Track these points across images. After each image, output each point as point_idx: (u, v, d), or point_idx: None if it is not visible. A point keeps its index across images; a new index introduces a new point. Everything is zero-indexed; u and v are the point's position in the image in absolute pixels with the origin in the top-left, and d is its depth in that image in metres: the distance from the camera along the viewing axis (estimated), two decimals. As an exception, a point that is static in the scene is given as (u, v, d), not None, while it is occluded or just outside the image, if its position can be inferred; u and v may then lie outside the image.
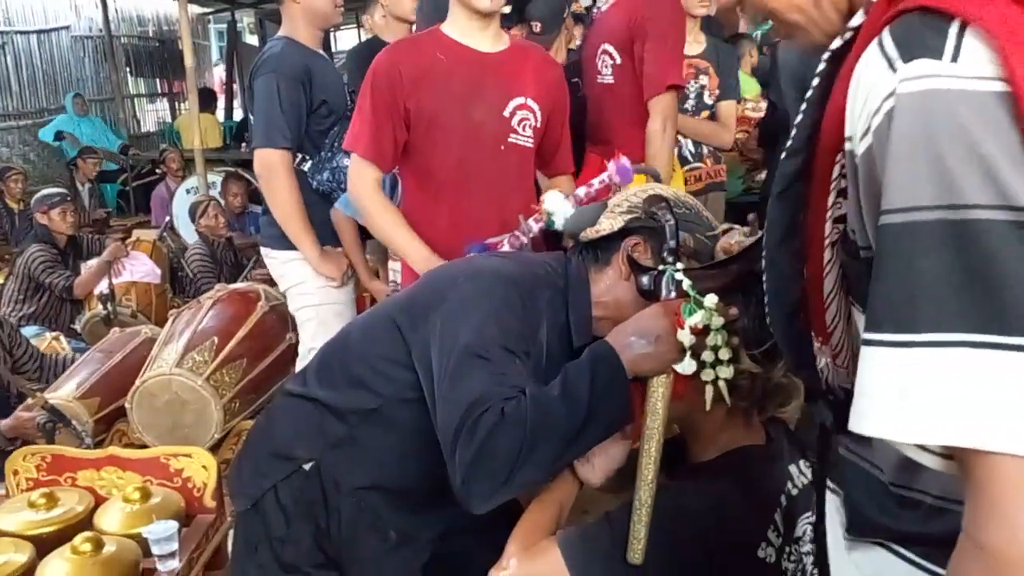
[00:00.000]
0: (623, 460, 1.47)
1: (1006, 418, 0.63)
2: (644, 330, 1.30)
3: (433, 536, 1.60)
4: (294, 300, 2.81)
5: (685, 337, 1.27)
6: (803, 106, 0.83)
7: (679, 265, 1.34)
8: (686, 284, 1.30)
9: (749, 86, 4.67)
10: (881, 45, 0.70)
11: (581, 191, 1.79)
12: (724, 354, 1.29)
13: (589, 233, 1.52)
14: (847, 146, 0.75)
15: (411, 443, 1.46)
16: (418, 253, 2.10)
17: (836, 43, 0.81)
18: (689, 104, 3.24)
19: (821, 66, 0.81)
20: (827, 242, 0.82)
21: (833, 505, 1.01)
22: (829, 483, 1.02)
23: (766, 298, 0.91)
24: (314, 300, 2.73)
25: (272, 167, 2.59)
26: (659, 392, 1.31)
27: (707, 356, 1.28)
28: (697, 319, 1.26)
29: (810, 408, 1.23)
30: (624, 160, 1.73)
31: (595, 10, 2.74)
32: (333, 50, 9.11)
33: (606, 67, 2.76)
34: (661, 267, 1.35)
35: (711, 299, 1.27)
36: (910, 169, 0.66)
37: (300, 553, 1.53)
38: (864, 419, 0.69)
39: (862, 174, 0.73)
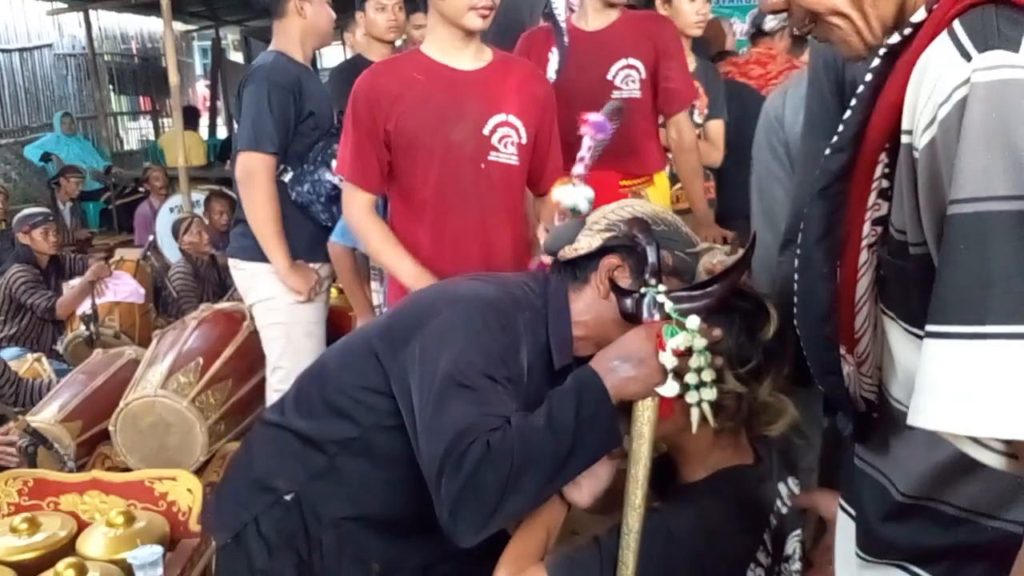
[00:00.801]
0: (610, 481, 1.46)
1: None
2: (627, 354, 1.30)
3: (417, 566, 1.58)
4: (262, 316, 2.78)
5: (667, 359, 1.26)
6: (852, 102, 0.82)
7: (660, 287, 1.33)
8: (668, 306, 1.29)
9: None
10: (953, 35, 0.69)
11: (579, 168, 1.77)
12: (707, 375, 1.28)
13: (567, 252, 1.51)
14: (904, 140, 0.74)
15: (392, 472, 1.44)
16: (408, 270, 2.09)
17: (894, 38, 0.80)
18: None
19: (875, 62, 0.81)
20: (864, 243, 0.82)
21: (844, 525, 1.00)
22: (842, 503, 1.02)
23: (795, 299, 0.89)
24: (283, 317, 2.72)
25: (254, 171, 2.59)
26: (645, 416, 1.30)
27: (691, 378, 1.27)
28: (679, 341, 1.26)
29: (829, 420, 1.22)
30: (595, 116, 1.75)
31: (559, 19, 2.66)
32: (319, 67, 9.13)
33: (632, 81, 2.75)
34: (643, 290, 1.34)
35: (693, 321, 1.26)
36: (984, 158, 0.65)
37: None
38: (926, 413, 0.68)
39: (922, 167, 0.72)
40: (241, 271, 2.79)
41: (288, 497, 1.49)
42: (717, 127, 3.36)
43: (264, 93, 2.59)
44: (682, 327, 1.26)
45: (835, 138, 0.83)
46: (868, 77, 0.80)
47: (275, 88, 2.60)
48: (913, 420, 0.69)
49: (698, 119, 3.29)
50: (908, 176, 0.75)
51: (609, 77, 2.68)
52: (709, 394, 1.29)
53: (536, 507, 1.35)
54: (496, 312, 1.42)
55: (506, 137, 2.14)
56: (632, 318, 1.34)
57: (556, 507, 1.44)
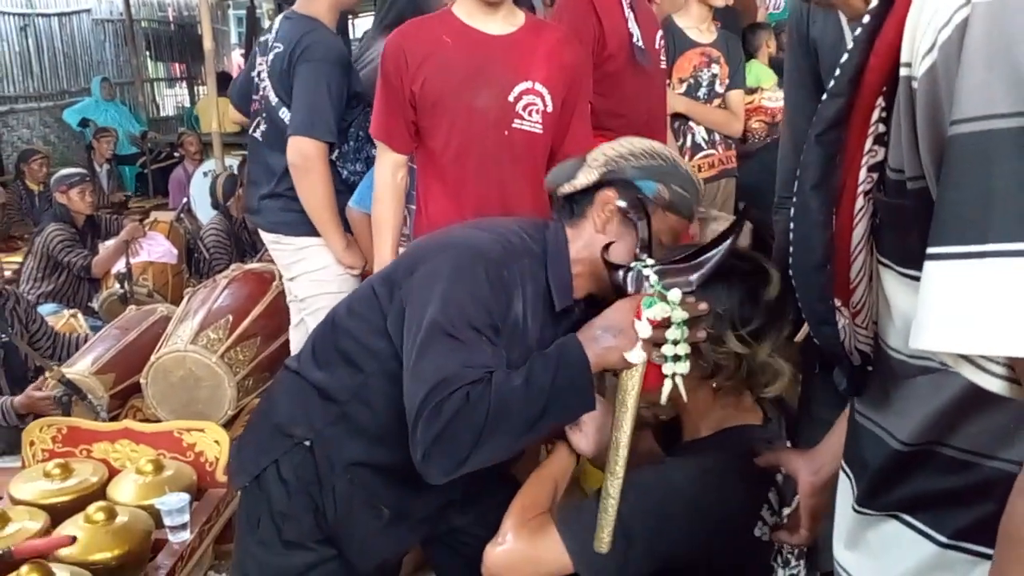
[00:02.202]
0: None
1: None
2: (609, 324, 1.31)
3: (428, 513, 1.62)
4: (307, 287, 2.74)
5: (642, 328, 1.27)
6: (849, 46, 0.81)
7: (649, 261, 1.34)
8: (652, 279, 1.30)
9: (767, 75, 4.65)
10: None
11: None
12: (683, 349, 1.29)
13: (566, 188, 1.54)
14: (903, 72, 0.74)
15: (400, 418, 1.47)
16: (382, 249, 2.18)
17: None
18: (702, 92, 3.25)
19: (873, 4, 0.80)
20: (860, 190, 0.81)
21: (843, 486, 1.00)
22: (843, 463, 1.01)
23: (791, 247, 0.89)
24: (333, 288, 2.69)
25: (311, 158, 2.51)
26: (628, 385, 1.31)
27: (667, 349, 1.28)
28: (655, 312, 1.27)
29: (825, 377, 1.23)
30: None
31: None
32: (352, 37, 9.12)
33: (664, 54, 2.73)
34: (632, 263, 1.35)
35: (675, 294, 1.27)
36: (986, 77, 0.65)
37: (302, 530, 1.56)
38: (925, 333, 0.68)
39: (921, 95, 0.71)
40: (286, 245, 2.73)
41: (306, 443, 1.53)
42: (738, 97, 3.36)
43: (323, 75, 2.48)
44: (663, 299, 1.28)
45: (831, 83, 0.82)
46: (866, 19, 0.79)
47: (334, 71, 2.51)
48: (914, 343, 0.69)
49: (720, 89, 3.28)
50: (907, 109, 0.74)
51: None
52: (682, 368, 1.29)
53: (504, 457, 1.37)
54: (487, 262, 1.44)
55: (531, 105, 2.11)
56: (620, 291, 1.36)
57: (564, 459, 1.46)
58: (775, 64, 4.75)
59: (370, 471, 1.54)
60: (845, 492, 1.00)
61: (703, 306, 1.29)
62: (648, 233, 1.39)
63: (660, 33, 2.73)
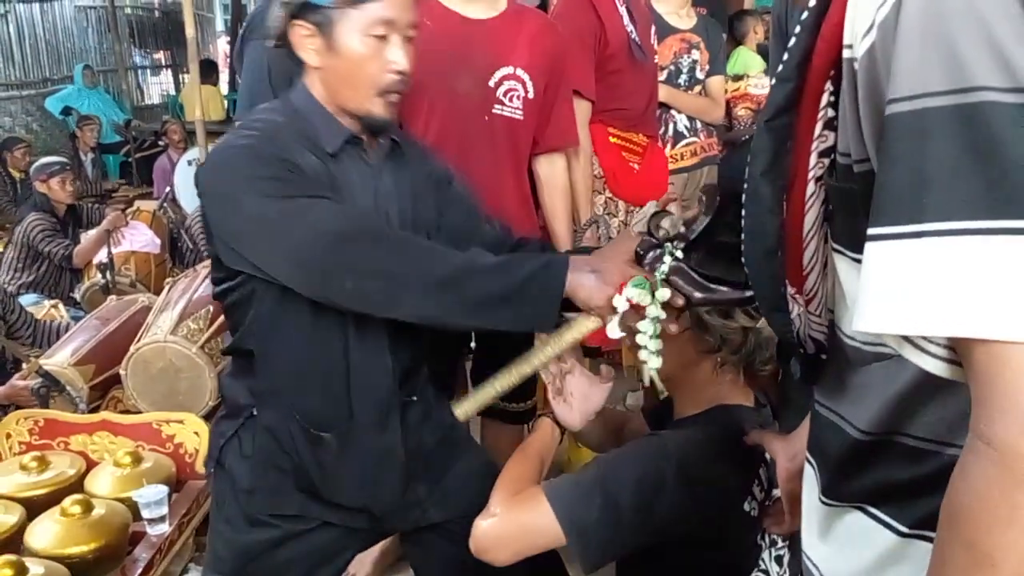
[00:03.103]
0: (601, 404, 1.48)
1: (1015, 306, 0.61)
2: (602, 269, 1.30)
3: (370, 428, 1.54)
4: None
5: (619, 302, 1.27)
6: (796, 29, 0.80)
7: (678, 252, 1.31)
8: (660, 268, 1.29)
9: (754, 62, 4.63)
10: None
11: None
12: (653, 345, 1.28)
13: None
14: (845, 54, 0.73)
15: (285, 333, 1.48)
16: None
17: None
18: (682, 79, 3.23)
19: None
20: (811, 175, 0.81)
21: (809, 474, 1.00)
22: (807, 454, 1.01)
23: (743, 235, 0.89)
24: None
25: None
26: (576, 327, 1.33)
27: (639, 338, 1.28)
28: (634, 293, 1.26)
29: (782, 366, 1.24)
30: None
31: None
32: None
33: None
34: (666, 245, 1.33)
35: (663, 293, 1.27)
36: (920, 55, 0.64)
37: (266, 504, 1.55)
38: (865, 315, 0.68)
39: (862, 76, 0.71)
40: None
41: (254, 411, 1.54)
42: (718, 83, 3.34)
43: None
44: (652, 289, 1.27)
45: (779, 68, 0.81)
46: (812, 2, 0.79)
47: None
48: (856, 324, 0.69)
49: (700, 75, 3.26)
50: (849, 91, 0.74)
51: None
52: (655, 362, 1.29)
53: (438, 321, 1.37)
54: (253, 153, 1.41)
55: (512, 91, 2.10)
56: (639, 259, 1.35)
57: (547, 435, 1.46)
58: (762, 51, 4.74)
59: (295, 407, 1.51)
60: (810, 482, 0.99)
61: (679, 301, 1.27)
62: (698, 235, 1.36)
63: (653, 28, 2.76)
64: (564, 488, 1.32)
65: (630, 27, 2.54)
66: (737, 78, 4.38)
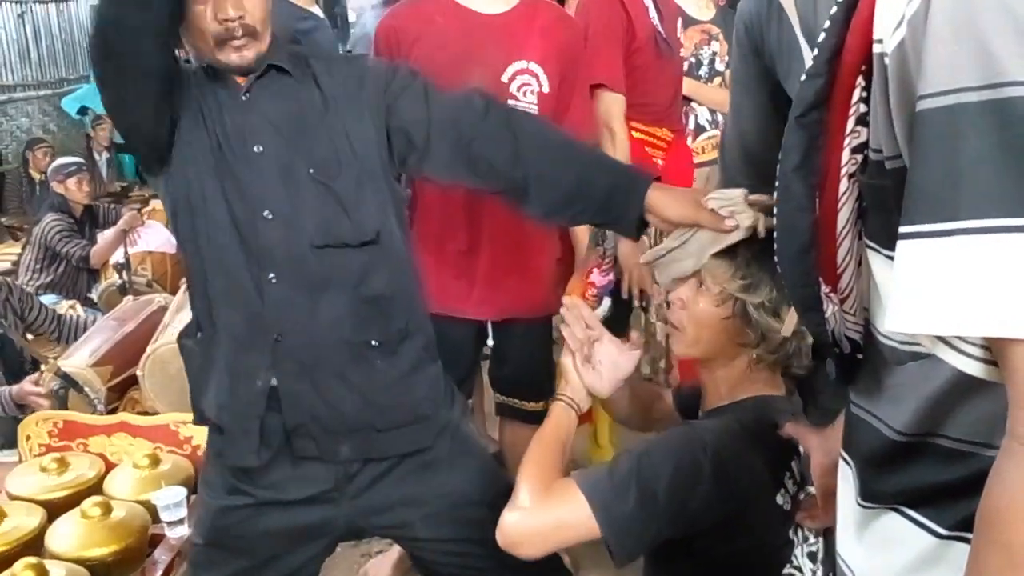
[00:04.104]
0: (631, 371, 1.47)
1: None
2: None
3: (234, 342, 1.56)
4: None
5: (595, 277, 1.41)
6: (825, 25, 0.80)
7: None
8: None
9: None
10: None
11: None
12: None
13: None
14: (875, 49, 0.72)
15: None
16: None
17: None
18: (703, 71, 3.20)
19: None
20: (843, 172, 0.79)
21: (845, 476, 0.98)
22: (843, 453, 1.00)
23: (775, 232, 0.88)
24: None
25: None
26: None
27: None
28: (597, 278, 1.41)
29: (817, 364, 1.23)
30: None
31: None
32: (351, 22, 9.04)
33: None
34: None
35: (604, 304, 1.39)
36: (950, 49, 0.63)
37: (230, 459, 1.60)
38: (899, 314, 0.67)
39: (892, 71, 0.70)
40: None
41: None
42: None
43: None
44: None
45: (809, 63, 0.80)
46: None
47: None
48: (889, 324, 0.68)
49: (720, 67, 3.21)
50: (880, 86, 0.72)
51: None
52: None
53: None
54: None
55: (525, 85, 2.08)
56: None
57: (563, 418, 1.43)
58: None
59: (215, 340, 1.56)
60: (846, 483, 0.98)
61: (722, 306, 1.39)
62: None
63: (680, 21, 2.74)
64: (599, 480, 1.29)
65: (656, 20, 2.53)
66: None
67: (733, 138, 1.59)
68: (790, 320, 1.30)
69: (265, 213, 1.48)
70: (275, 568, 1.66)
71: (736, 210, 1.36)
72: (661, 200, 1.43)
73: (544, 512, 1.28)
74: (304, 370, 1.52)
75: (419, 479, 1.62)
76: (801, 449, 1.37)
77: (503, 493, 1.36)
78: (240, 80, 1.50)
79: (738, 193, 1.36)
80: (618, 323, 2.31)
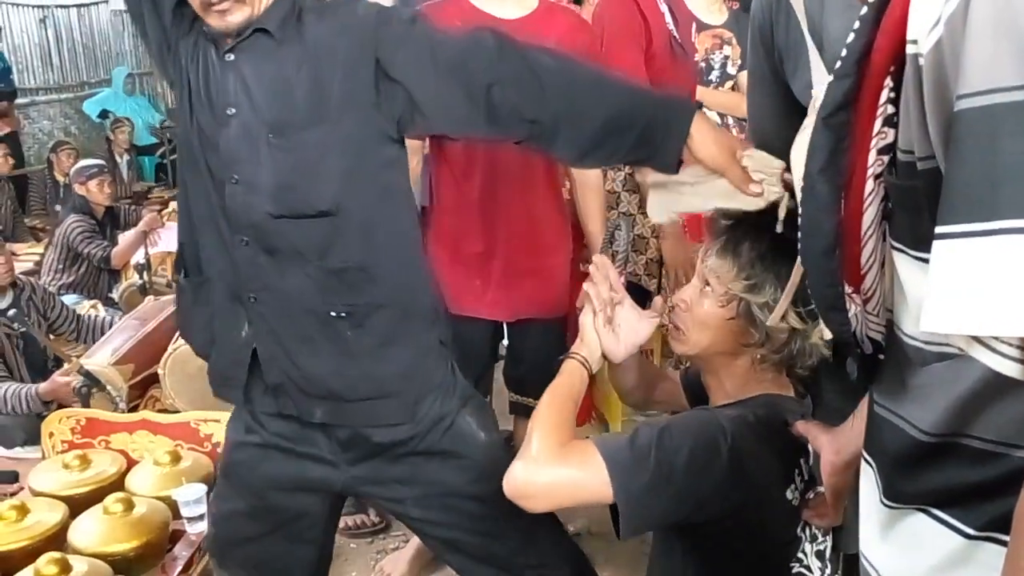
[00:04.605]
0: (647, 338, 1.47)
1: None
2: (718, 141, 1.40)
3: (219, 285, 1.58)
4: None
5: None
6: (855, 25, 0.79)
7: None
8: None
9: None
10: None
11: None
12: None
13: None
14: (910, 50, 0.72)
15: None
16: None
17: None
18: (714, 75, 3.19)
19: None
20: (870, 173, 0.79)
21: (867, 475, 0.98)
22: (864, 454, 1.00)
23: (800, 232, 0.88)
24: None
25: None
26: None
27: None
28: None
29: (838, 365, 1.22)
30: None
31: None
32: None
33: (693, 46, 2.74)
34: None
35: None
36: (990, 49, 0.63)
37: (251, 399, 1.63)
38: (934, 315, 0.66)
39: (928, 71, 0.70)
40: None
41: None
42: None
43: None
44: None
45: (838, 64, 0.80)
46: None
47: None
48: (924, 325, 0.67)
49: (732, 71, 3.20)
50: (914, 86, 0.72)
51: None
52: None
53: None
54: None
55: None
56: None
57: (577, 378, 1.42)
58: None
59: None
60: (869, 483, 0.97)
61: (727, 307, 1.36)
62: None
63: (694, 26, 2.74)
64: (619, 448, 1.28)
65: (671, 25, 2.54)
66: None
67: (753, 138, 1.59)
68: (818, 328, 1.31)
69: (233, 177, 1.46)
70: (276, 514, 1.68)
71: (768, 181, 1.33)
72: (700, 137, 1.37)
73: (558, 468, 1.27)
74: (275, 333, 1.52)
75: (411, 464, 1.62)
76: (810, 448, 1.38)
77: (500, 490, 1.36)
78: (228, 40, 1.46)
79: (777, 164, 1.33)
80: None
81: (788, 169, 1.26)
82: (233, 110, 1.45)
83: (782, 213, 1.30)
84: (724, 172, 1.34)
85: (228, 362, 1.59)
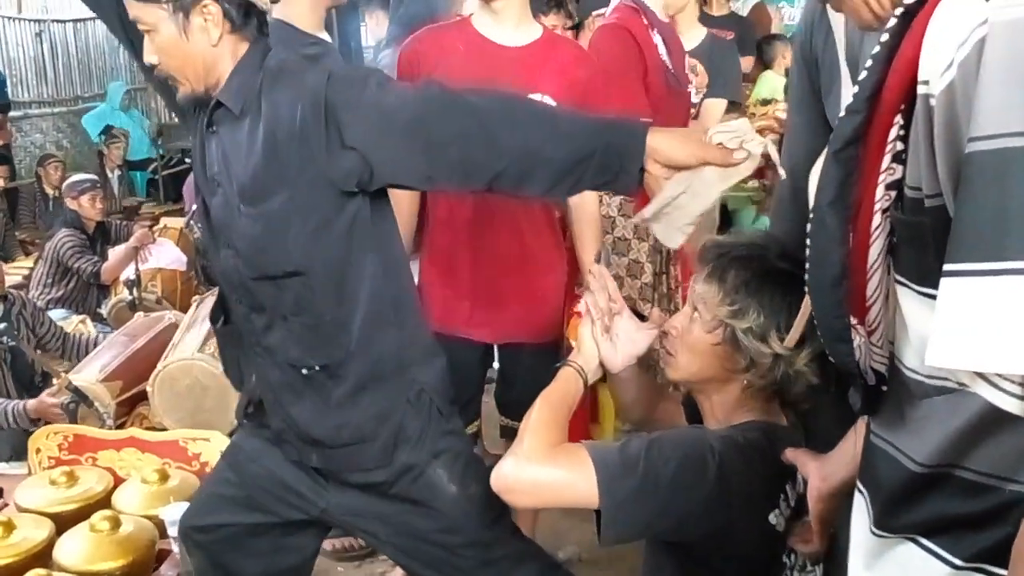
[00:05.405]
0: (645, 349, 1.48)
1: None
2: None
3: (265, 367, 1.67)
4: None
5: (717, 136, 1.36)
6: (867, 63, 0.81)
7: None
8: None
9: (782, 87, 4.64)
10: None
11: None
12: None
13: None
14: (921, 90, 0.74)
15: None
16: None
17: None
18: None
19: (892, 22, 0.80)
20: (877, 207, 0.82)
21: (859, 506, 0.99)
22: (858, 483, 1.01)
23: (807, 263, 0.89)
24: None
25: None
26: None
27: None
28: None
29: (838, 395, 1.23)
30: None
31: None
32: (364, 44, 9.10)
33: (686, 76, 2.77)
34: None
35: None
36: (1003, 95, 0.65)
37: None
38: (940, 350, 0.68)
39: (939, 112, 0.72)
40: None
41: None
42: (716, 106, 3.24)
43: None
44: None
45: (850, 100, 0.82)
46: (884, 37, 0.80)
47: None
48: (929, 360, 0.69)
49: (695, 98, 3.16)
50: (924, 126, 0.74)
51: None
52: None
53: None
54: None
55: None
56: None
57: (572, 385, 1.44)
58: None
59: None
60: (861, 513, 0.99)
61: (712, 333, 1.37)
62: None
63: (687, 57, 2.81)
64: (609, 453, 1.29)
65: (665, 56, 2.57)
66: (765, 103, 4.39)
67: (786, 162, 1.58)
68: (803, 354, 1.33)
69: (224, 241, 1.58)
70: (254, 511, 1.75)
71: (745, 138, 1.32)
72: (664, 144, 1.35)
73: (547, 467, 1.28)
74: (270, 384, 1.65)
75: (387, 504, 1.67)
76: (799, 476, 1.38)
77: (471, 543, 1.36)
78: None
79: (742, 121, 1.34)
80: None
81: (754, 115, 1.30)
82: (217, 180, 1.55)
83: (774, 155, 1.32)
84: (705, 160, 1.34)
85: (247, 400, 1.76)
